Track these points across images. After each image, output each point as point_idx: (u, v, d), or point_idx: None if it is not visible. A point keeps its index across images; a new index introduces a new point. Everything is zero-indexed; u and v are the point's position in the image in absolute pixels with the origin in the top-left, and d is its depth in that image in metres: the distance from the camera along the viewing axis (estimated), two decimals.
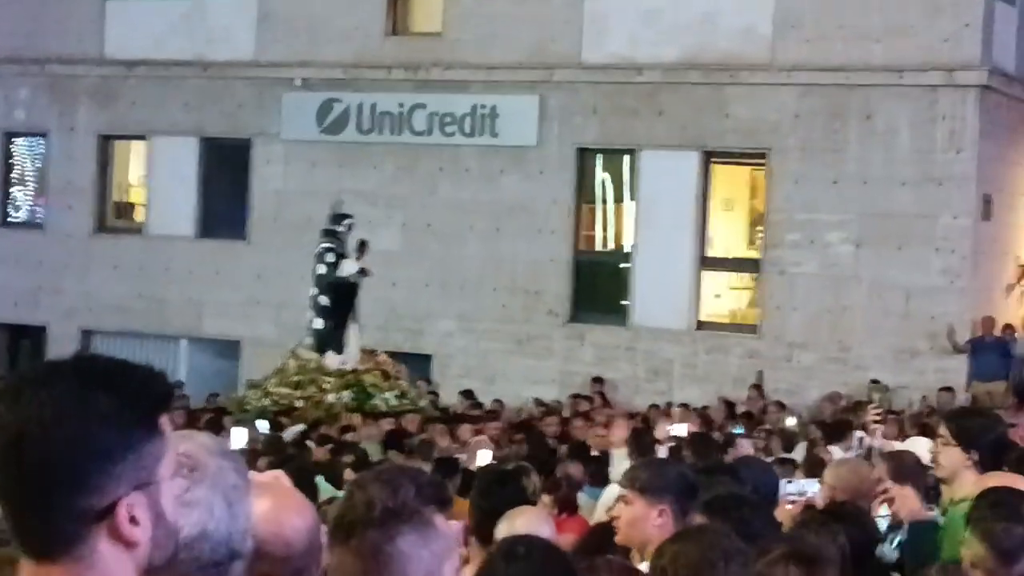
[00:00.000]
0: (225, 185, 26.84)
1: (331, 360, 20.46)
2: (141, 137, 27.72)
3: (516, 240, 24.26)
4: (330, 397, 19.76)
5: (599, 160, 24.73)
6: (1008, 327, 22.52)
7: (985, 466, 6.27)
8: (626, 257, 24.37)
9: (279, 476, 3.29)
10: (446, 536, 2.96)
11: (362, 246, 20.87)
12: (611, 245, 25.10)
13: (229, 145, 26.74)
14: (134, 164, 28.67)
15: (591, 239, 25.12)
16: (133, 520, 2.21)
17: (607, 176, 24.70)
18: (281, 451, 13.75)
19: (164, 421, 2.29)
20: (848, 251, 22.62)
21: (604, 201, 24.90)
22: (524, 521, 4.76)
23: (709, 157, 23.72)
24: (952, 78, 22.09)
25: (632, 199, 24.28)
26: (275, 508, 2.97)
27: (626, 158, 24.29)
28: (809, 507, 6.84)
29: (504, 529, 4.74)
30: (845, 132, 22.67)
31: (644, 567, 5.21)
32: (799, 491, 6.65)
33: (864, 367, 22.20)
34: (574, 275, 24.44)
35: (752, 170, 24.39)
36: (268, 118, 26.20)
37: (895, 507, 6.48)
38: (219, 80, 26.57)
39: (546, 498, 10.09)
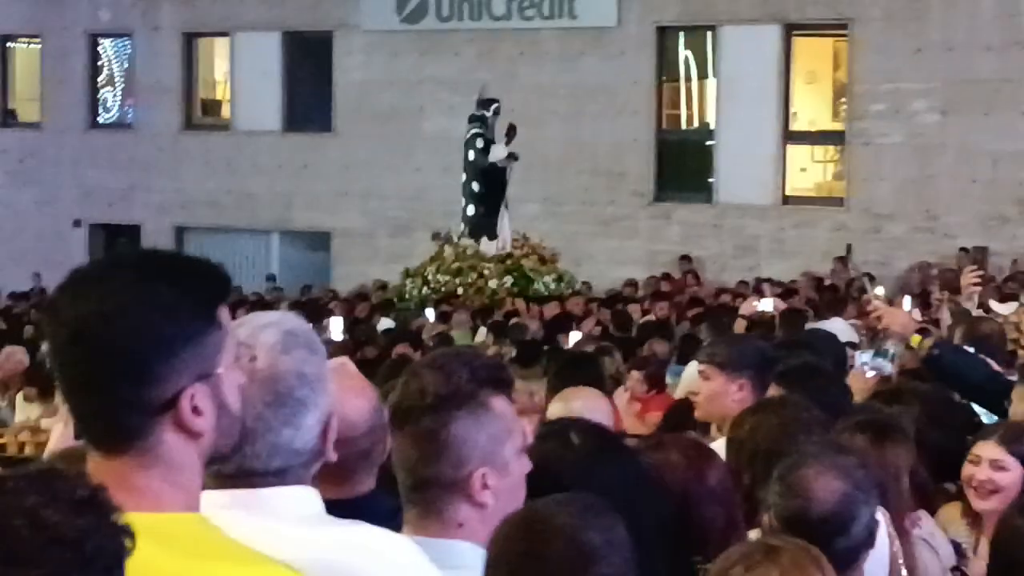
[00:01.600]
0: (308, 78, 26.97)
1: (487, 246, 20.26)
2: (224, 34, 27.90)
3: (598, 121, 24.21)
4: (492, 283, 19.63)
5: (680, 38, 24.57)
6: None
7: None
8: (710, 134, 24.28)
9: (344, 362, 3.40)
10: (504, 418, 2.90)
11: (511, 131, 20.42)
12: (695, 123, 25.01)
13: (311, 38, 26.83)
14: (219, 61, 28.87)
15: (674, 118, 25.03)
16: (196, 410, 2.24)
17: (688, 54, 24.54)
18: (375, 340, 14.01)
19: (223, 312, 2.31)
20: (934, 119, 22.39)
21: (687, 79, 24.78)
22: (582, 403, 4.80)
23: (790, 30, 23.47)
24: None
25: (714, 76, 24.13)
26: (338, 391, 3.00)
27: (707, 34, 24.13)
28: (885, 379, 6.89)
29: (558, 409, 4.76)
30: None
31: (723, 441, 5.33)
32: (871, 361, 6.67)
33: (952, 235, 22.07)
34: (657, 154, 24.39)
35: (835, 41, 24.09)
36: (348, 9, 26.23)
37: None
38: None
39: (636, 374, 10.26)
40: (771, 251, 23.34)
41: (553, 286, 19.97)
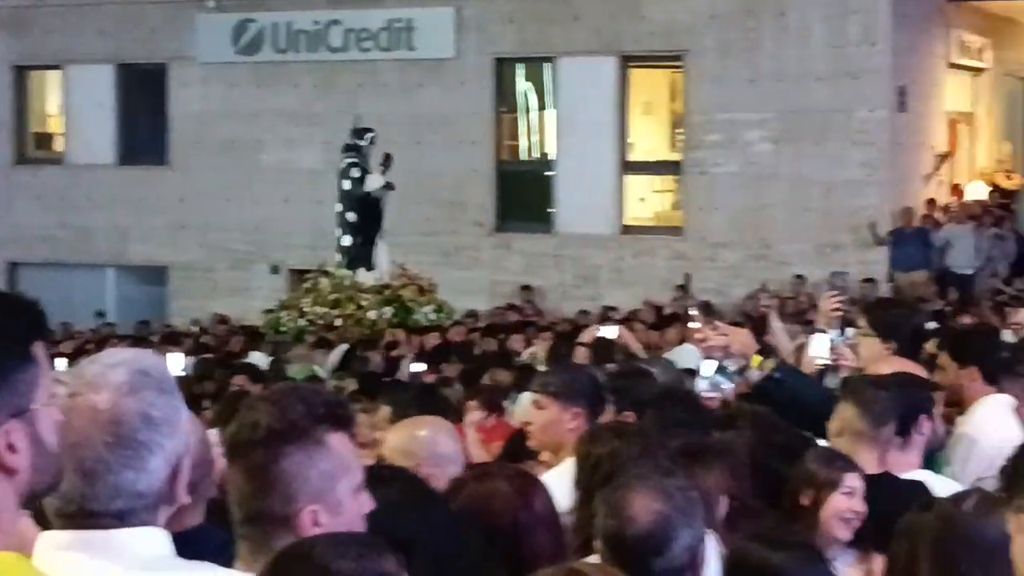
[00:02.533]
0: (143, 111, 26.62)
1: (364, 276, 20.01)
2: (56, 67, 27.44)
3: (438, 153, 24.22)
4: (371, 314, 19.37)
5: (518, 69, 24.72)
6: (927, 217, 22.82)
7: (904, 355, 6.26)
8: (549, 165, 24.43)
9: None
10: (340, 456, 2.88)
11: (387, 160, 20.25)
12: (534, 153, 25.14)
13: (145, 70, 26.50)
14: (51, 94, 28.39)
15: (514, 148, 25.16)
16: (11, 447, 2.20)
17: (528, 85, 24.70)
18: (212, 374, 13.83)
19: (38, 348, 2.27)
20: (767, 149, 22.77)
21: (526, 110, 24.92)
22: (427, 432, 4.78)
23: (627, 61, 23.74)
24: None
25: (553, 107, 24.31)
26: None
27: (545, 66, 24.30)
28: (724, 403, 6.97)
29: (401, 437, 4.72)
30: (760, 30, 22.73)
31: (560, 469, 5.32)
32: (710, 378, 6.79)
33: (787, 263, 22.44)
34: (498, 185, 24.49)
35: (670, 73, 24.41)
36: (183, 41, 25.95)
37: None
38: (132, 5, 26.24)
39: (472, 403, 10.22)
40: (611, 280, 23.52)
41: (433, 316, 19.88)
